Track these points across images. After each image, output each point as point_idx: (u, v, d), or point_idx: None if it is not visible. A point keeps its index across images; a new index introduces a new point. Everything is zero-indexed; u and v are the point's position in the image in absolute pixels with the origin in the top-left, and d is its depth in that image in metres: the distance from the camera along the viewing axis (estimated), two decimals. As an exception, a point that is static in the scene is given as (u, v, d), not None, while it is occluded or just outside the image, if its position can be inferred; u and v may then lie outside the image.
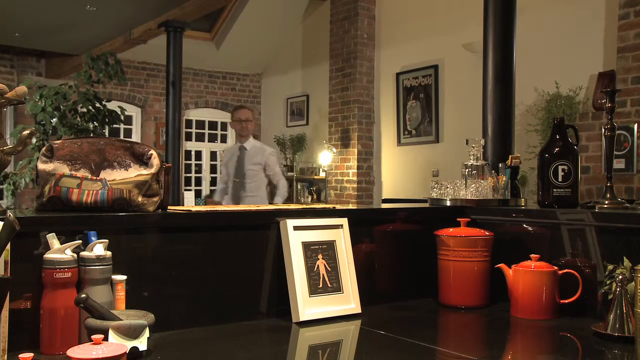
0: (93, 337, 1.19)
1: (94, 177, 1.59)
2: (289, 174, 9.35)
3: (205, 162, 10.30)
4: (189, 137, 10.07)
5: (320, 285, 1.78)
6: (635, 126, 4.94)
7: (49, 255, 1.38)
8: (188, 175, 10.07)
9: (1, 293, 1.23)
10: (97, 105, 6.61)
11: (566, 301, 1.81)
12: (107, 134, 7.12)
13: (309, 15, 9.22)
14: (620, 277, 1.56)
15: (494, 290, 1.98)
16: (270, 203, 5.15)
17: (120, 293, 1.46)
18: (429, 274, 2.05)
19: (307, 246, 1.79)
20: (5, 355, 1.30)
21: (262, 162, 5.13)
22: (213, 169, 10.40)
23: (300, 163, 9.37)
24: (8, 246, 1.28)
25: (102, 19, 7.22)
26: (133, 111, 9.50)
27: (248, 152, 5.12)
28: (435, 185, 2.36)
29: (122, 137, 9.19)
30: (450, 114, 7.01)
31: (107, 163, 1.63)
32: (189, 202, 8.65)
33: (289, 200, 9.34)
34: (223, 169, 5.37)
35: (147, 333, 1.34)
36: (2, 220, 1.26)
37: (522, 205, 2.31)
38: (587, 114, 5.34)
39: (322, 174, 8.71)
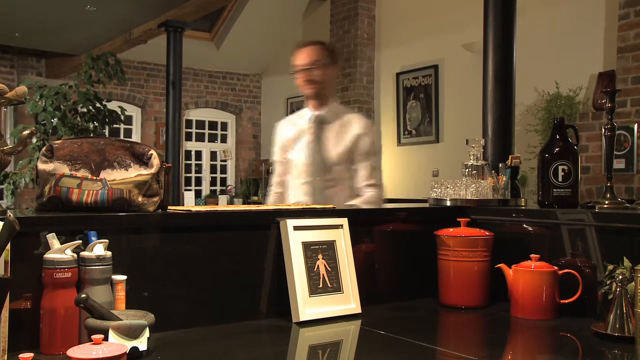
0: (93, 337, 1.19)
1: (94, 177, 1.59)
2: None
3: (205, 162, 10.30)
4: (189, 137, 10.07)
5: (320, 285, 1.78)
6: (635, 126, 4.94)
7: (49, 255, 1.38)
8: (188, 175, 10.07)
9: (1, 293, 1.23)
10: (97, 105, 6.62)
11: (566, 301, 1.81)
12: (107, 134, 7.12)
13: (308, 15, 9.22)
14: (620, 277, 1.56)
15: (494, 290, 1.98)
16: None
17: (120, 293, 1.46)
18: (429, 274, 2.05)
19: (307, 246, 1.79)
20: (5, 355, 1.30)
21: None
22: (213, 169, 10.40)
23: (300, 163, 9.35)
24: (8, 246, 1.28)
25: (102, 19, 7.22)
26: (133, 111, 9.50)
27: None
28: (436, 185, 2.36)
29: (122, 137, 9.19)
30: (450, 114, 7.01)
31: (107, 163, 1.62)
32: (189, 202, 8.66)
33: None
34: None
35: (147, 333, 1.34)
36: (2, 220, 1.26)
37: (522, 205, 2.31)
38: (587, 114, 5.34)
39: (322, 174, 8.70)
